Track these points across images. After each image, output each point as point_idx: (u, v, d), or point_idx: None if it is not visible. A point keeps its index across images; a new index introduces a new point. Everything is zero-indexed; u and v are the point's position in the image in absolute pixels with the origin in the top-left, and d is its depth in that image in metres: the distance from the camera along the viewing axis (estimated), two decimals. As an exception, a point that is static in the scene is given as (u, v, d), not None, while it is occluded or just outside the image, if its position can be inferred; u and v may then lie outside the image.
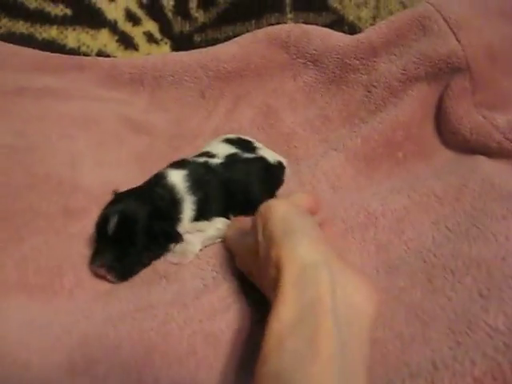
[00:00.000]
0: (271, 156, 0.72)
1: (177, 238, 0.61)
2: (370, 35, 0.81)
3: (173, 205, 0.62)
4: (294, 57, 0.86)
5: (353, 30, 0.92)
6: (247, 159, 0.69)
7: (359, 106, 0.80)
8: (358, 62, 0.81)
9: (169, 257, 0.61)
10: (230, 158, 0.68)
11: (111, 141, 0.78)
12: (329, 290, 0.41)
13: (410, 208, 0.62)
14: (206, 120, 0.85)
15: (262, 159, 0.70)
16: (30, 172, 0.67)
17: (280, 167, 0.73)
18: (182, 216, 0.62)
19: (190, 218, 0.62)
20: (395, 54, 0.79)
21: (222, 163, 0.67)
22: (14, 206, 0.62)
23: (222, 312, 0.52)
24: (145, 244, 0.59)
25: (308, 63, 0.85)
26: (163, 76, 0.86)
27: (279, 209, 0.49)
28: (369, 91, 0.80)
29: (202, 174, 0.64)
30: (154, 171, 0.65)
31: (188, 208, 0.62)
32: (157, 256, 0.61)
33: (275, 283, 0.43)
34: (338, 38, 0.85)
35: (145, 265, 0.60)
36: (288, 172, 0.73)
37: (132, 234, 0.58)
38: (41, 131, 0.75)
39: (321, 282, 0.42)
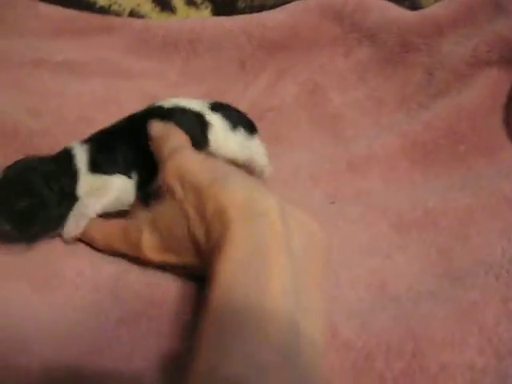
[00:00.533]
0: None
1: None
2: (436, 11, 0.74)
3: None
4: (348, 31, 0.78)
5: (414, 7, 0.83)
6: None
7: (417, 89, 0.72)
8: (420, 40, 0.73)
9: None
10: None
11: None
12: (279, 217, 0.39)
13: (474, 209, 0.55)
14: (242, 93, 0.77)
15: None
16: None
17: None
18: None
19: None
20: (463, 35, 0.72)
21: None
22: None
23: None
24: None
25: (363, 39, 0.78)
26: (201, 40, 0.78)
27: (193, 160, 0.46)
28: (430, 74, 0.72)
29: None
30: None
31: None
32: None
33: (220, 231, 0.39)
34: (399, 12, 0.77)
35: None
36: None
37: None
38: (57, 110, 0.69)
39: (269, 210, 0.39)
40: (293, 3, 0.81)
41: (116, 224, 0.50)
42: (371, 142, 0.67)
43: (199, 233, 0.42)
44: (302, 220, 0.41)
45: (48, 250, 0.50)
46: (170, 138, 0.50)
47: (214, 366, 0.32)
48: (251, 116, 0.63)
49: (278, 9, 0.80)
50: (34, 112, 0.67)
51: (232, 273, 0.37)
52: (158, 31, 0.80)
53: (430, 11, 0.74)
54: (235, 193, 0.41)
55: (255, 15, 0.79)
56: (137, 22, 0.84)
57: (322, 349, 0.37)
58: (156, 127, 0.52)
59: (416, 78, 0.73)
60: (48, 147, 0.62)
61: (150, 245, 0.46)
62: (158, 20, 0.86)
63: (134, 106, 0.68)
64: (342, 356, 0.40)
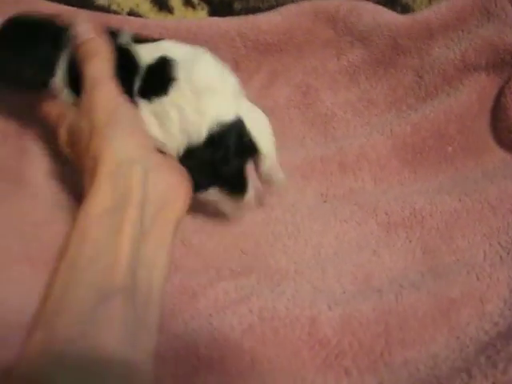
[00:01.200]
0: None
1: None
2: (426, 15, 0.74)
3: None
4: (341, 34, 0.79)
5: (406, 12, 0.85)
6: None
7: (408, 91, 0.73)
8: (410, 43, 0.74)
9: None
10: None
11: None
12: (140, 184, 0.44)
13: (460, 213, 0.58)
14: (237, 94, 0.78)
15: None
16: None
17: None
18: None
19: None
20: (453, 40, 0.73)
21: None
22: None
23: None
24: None
25: (355, 41, 0.78)
26: (197, 40, 0.78)
27: (106, 96, 0.49)
28: (420, 77, 0.73)
29: None
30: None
31: None
32: None
33: (91, 175, 0.45)
34: (391, 15, 0.77)
35: None
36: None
37: None
38: None
39: (132, 176, 0.44)
40: (287, 6, 0.81)
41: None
42: (362, 142, 0.68)
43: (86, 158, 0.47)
44: (162, 187, 0.46)
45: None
46: (93, 59, 0.51)
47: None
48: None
49: (273, 11, 0.81)
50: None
51: (87, 227, 0.42)
52: (155, 29, 0.80)
53: (421, 15, 0.75)
54: (113, 150, 0.45)
55: (250, 17, 0.80)
56: (135, 21, 0.84)
57: (157, 299, 0.42)
58: (81, 29, 0.54)
59: (406, 80, 0.74)
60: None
61: (62, 138, 0.52)
62: (155, 19, 0.86)
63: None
64: (315, 353, 0.43)
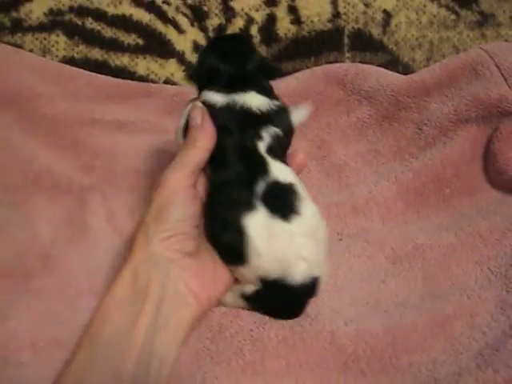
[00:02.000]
0: None
1: None
2: (423, 76, 0.85)
3: None
4: (350, 93, 0.90)
5: (407, 70, 0.96)
6: None
7: (410, 142, 0.83)
8: (410, 100, 0.85)
9: None
10: None
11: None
12: (159, 282, 0.47)
13: (456, 246, 0.67)
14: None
15: None
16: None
17: None
18: None
19: None
20: (447, 95, 0.83)
21: None
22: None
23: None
24: None
25: (362, 100, 0.89)
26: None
27: (171, 185, 0.52)
28: (420, 129, 0.83)
29: None
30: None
31: None
32: None
33: (125, 258, 0.50)
34: (392, 76, 0.89)
35: None
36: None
37: None
38: (108, 165, 0.82)
39: (152, 275, 0.47)
40: (302, 71, 0.94)
41: None
42: (371, 187, 0.78)
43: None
44: (182, 290, 0.50)
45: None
46: (189, 146, 0.54)
47: None
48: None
49: (290, 76, 0.93)
50: (86, 168, 0.81)
51: (109, 310, 0.46)
52: (189, 95, 0.91)
53: (419, 76, 0.86)
54: (146, 246, 0.49)
55: (272, 83, 0.92)
56: (171, 88, 0.98)
57: None
58: (194, 115, 0.55)
59: (408, 132, 0.84)
60: (96, 200, 0.76)
61: None
62: (188, 86, 0.98)
63: (173, 156, 0.81)
64: (336, 358, 0.53)
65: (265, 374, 0.51)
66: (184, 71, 0.95)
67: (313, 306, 0.59)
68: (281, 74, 0.67)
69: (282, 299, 0.54)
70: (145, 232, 0.50)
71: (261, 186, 0.52)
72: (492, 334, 0.54)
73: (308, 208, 0.54)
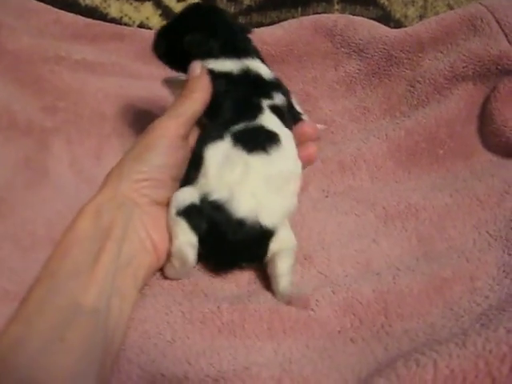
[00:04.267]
0: None
1: None
2: (418, 30, 0.80)
3: None
4: (338, 46, 0.85)
5: (398, 27, 0.90)
6: None
7: (401, 100, 0.79)
8: (403, 55, 0.80)
9: None
10: None
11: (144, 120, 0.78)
12: (121, 223, 0.46)
13: (451, 207, 0.62)
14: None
15: None
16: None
17: None
18: None
19: None
20: (442, 52, 0.78)
21: None
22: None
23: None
24: None
25: (352, 53, 0.84)
26: (204, 51, 0.84)
27: (161, 130, 0.51)
28: (412, 86, 0.78)
29: None
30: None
31: None
32: None
33: (90, 199, 0.48)
34: (385, 29, 0.83)
35: None
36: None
37: None
38: (74, 108, 0.75)
39: (118, 215, 0.46)
40: (289, 21, 0.87)
41: None
42: (359, 144, 0.73)
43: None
44: (142, 236, 0.49)
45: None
46: (186, 97, 0.53)
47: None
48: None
49: (276, 26, 0.86)
50: (49, 110, 0.74)
51: (69, 245, 0.45)
52: None
53: (413, 29, 0.80)
54: (118, 182, 0.49)
55: (255, 30, 0.84)
56: (146, 32, 0.90)
57: (123, 330, 0.44)
58: (193, 68, 0.56)
59: (400, 89, 0.79)
60: (59, 144, 0.69)
61: None
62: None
63: (143, 103, 0.74)
64: (321, 327, 0.48)
65: (244, 337, 0.45)
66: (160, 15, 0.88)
67: (297, 266, 0.54)
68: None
69: (216, 225, 0.50)
70: (119, 169, 0.49)
71: (239, 126, 0.53)
72: (496, 297, 0.49)
73: (283, 157, 0.53)
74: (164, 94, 0.76)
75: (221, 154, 0.51)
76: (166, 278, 0.53)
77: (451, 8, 0.95)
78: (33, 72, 0.76)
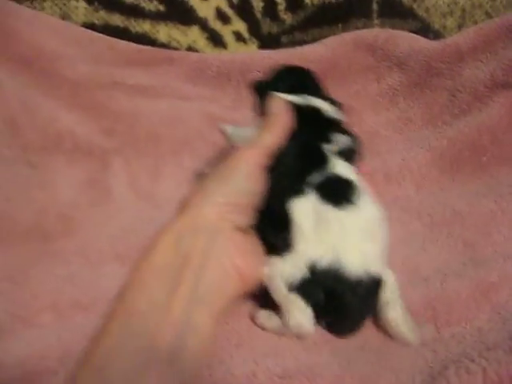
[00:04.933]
0: None
1: None
2: (457, 40, 0.82)
3: None
4: (380, 60, 0.87)
5: (438, 38, 0.93)
6: None
7: (442, 109, 0.80)
8: (443, 66, 0.81)
9: None
10: None
11: (196, 139, 0.82)
12: (201, 252, 0.44)
13: (496, 213, 0.63)
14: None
15: None
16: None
17: None
18: None
19: None
20: (482, 61, 0.79)
21: None
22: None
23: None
24: None
25: (393, 66, 0.86)
26: (251, 71, 0.88)
27: (242, 158, 0.50)
28: (453, 95, 0.80)
29: None
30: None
31: None
32: None
33: (165, 227, 0.46)
34: (424, 41, 0.85)
35: None
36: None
37: None
38: (130, 130, 0.80)
39: (197, 243, 0.44)
40: (330, 38, 0.90)
41: None
42: (404, 155, 0.75)
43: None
44: (225, 264, 0.46)
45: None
46: (269, 128, 0.53)
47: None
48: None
49: (318, 43, 0.90)
50: (108, 132, 0.79)
51: (147, 276, 0.43)
52: (212, 62, 0.89)
53: (452, 40, 0.82)
54: (197, 208, 0.47)
55: (298, 49, 0.89)
56: (194, 55, 0.94)
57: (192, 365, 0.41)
58: (273, 100, 0.56)
59: (441, 99, 0.81)
60: (119, 164, 0.74)
61: None
62: (212, 53, 0.96)
63: (194, 122, 0.78)
64: (373, 332, 0.50)
65: (302, 342, 0.49)
66: (207, 38, 0.92)
67: None
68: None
69: (334, 292, 0.47)
70: (202, 192, 0.48)
71: (315, 177, 0.51)
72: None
73: (366, 203, 0.52)
74: (214, 112, 0.80)
75: (310, 211, 0.49)
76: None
77: (489, 16, 0.96)
78: (91, 98, 0.81)
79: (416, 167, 0.74)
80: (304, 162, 0.52)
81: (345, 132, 0.57)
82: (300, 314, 0.47)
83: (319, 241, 0.48)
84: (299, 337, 0.48)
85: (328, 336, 0.49)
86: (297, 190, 0.50)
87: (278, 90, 0.59)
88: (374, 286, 0.49)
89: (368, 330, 0.50)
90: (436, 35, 0.94)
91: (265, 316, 0.50)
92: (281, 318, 0.48)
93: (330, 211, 0.49)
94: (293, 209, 0.49)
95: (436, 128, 0.79)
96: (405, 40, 0.86)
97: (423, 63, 0.83)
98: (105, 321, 0.41)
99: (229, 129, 0.66)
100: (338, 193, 0.50)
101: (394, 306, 0.49)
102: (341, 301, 0.47)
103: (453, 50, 0.81)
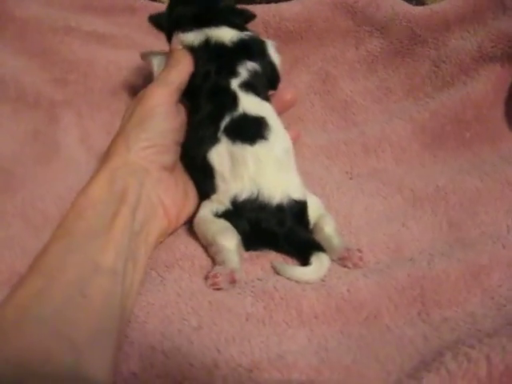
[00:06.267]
0: None
1: None
2: (444, 7, 0.76)
3: None
4: (360, 23, 0.81)
5: (421, 5, 0.87)
6: None
7: (425, 80, 0.75)
8: (428, 34, 0.76)
9: None
10: None
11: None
12: (135, 189, 0.47)
13: (482, 191, 0.59)
14: (258, 78, 0.80)
15: None
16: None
17: None
18: None
19: None
20: (469, 31, 0.74)
21: None
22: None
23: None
24: None
25: (373, 31, 0.80)
26: (222, 26, 0.80)
27: (155, 98, 0.52)
28: (437, 66, 0.75)
29: None
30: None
31: None
32: None
33: (101, 162, 0.49)
34: (409, 7, 0.80)
35: None
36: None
37: None
38: (84, 80, 0.73)
39: (130, 182, 0.47)
40: (308, -4, 0.83)
41: None
42: (383, 126, 0.70)
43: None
44: (154, 201, 0.49)
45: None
46: (172, 66, 0.55)
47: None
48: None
49: (294, 1, 0.82)
50: (59, 82, 0.71)
51: (84, 207, 0.45)
52: None
53: (439, 7, 0.76)
54: (125, 154, 0.49)
55: (273, 5, 0.82)
56: (157, 6, 0.86)
57: (133, 293, 0.43)
58: (174, 40, 0.58)
59: (423, 69, 0.76)
60: (69, 118, 0.66)
61: None
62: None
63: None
64: (356, 312, 0.45)
65: (273, 324, 0.42)
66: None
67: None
68: (253, 15, 0.64)
69: (258, 221, 0.51)
70: (125, 138, 0.50)
71: (226, 121, 0.53)
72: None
73: (277, 136, 0.54)
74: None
75: (225, 154, 0.53)
76: (186, 260, 0.50)
77: (476, -14, 0.91)
78: (41, 42, 0.73)
79: (396, 140, 0.69)
80: (215, 108, 0.54)
81: (253, 56, 0.57)
82: (227, 241, 0.50)
83: (238, 177, 0.51)
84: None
85: (303, 316, 0.43)
86: (213, 140, 0.53)
87: (177, 23, 0.58)
88: (299, 210, 0.52)
89: (346, 311, 0.44)
90: (419, 2, 0.88)
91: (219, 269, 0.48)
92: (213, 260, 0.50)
93: (243, 149, 0.52)
94: (211, 159, 0.53)
95: (417, 100, 0.74)
96: (387, 3, 0.80)
97: (406, 30, 0.77)
98: (45, 245, 0.42)
99: (147, 53, 0.64)
100: (249, 131, 0.53)
101: (326, 221, 0.53)
102: (266, 228, 0.51)
103: (439, 17, 0.76)
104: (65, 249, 0.41)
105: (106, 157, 0.49)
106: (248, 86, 0.55)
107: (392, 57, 0.79)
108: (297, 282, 0.47)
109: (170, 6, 0.61)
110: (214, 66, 0.56)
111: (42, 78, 0.69)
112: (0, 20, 0.71)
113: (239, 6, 0.64)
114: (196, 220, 0.53)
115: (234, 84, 0.55)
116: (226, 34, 0.57)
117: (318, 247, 0.50)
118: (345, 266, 0.50)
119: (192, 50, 0.56)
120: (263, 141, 0.53)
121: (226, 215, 0.52)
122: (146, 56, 0.64)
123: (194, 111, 0.55)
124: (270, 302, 0.44)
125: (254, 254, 0.51)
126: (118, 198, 0.45)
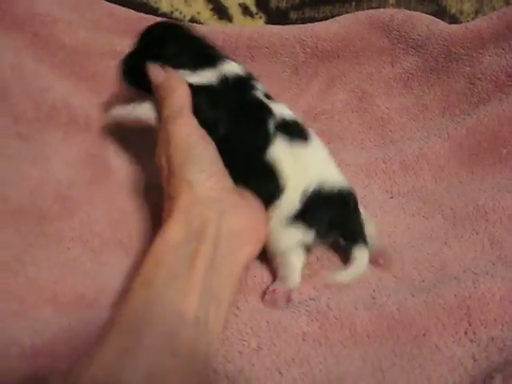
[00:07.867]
0: None
1: None
2: (478, 25, 0.77)
3: None
4: (395, 42, 0.82)
5: (454, 22, 0.88)
6: None
7: (460, 97, 0.77)
8: (463, 51, 0.77)
9: None
10: None
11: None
12: (214, 223, 0.45)
13: (522, 208, 0.60)
14: (297, 97, 0.82)
15: None
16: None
17: None
18: None
19: None
20: (504, 48, 0.75)
21: None
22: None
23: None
24: None
25: (409, 49, 0.82)
26: (258, 47, 0.82)
27: (182, 131, 0.50)
28: (472, 83, 0.76)
29: None
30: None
31: None
32: None
33: (168, 210, 0.47)
34: (444, 25, 0.81)
35: None
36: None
37: None
38: None
39: (208, 215, 0.46)
40: (344, 16, 0.85)
41: None
42: (421, 143, 0.71)
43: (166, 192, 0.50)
44: (236, 229, 0.47)
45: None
46: (171, 95, 0.53)
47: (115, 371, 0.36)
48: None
49: (330, 20, 0.84)
50: (107, 105, 0.72)
51: (162, 253, 0.44)
52: (218, 36, 0.82)
53: (473, 25, 0.77)
54: (190, 193, 0.47)
55: (309, 25, 0.84)
56: (197, 27, 0.87)
57: (215, 336, 0.42)
58: (156, 72, 0.55)
59: (459, 86, 0.77)
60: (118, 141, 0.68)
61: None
62: (217, 26, 0.90)
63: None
64: (406, 330, 0.46)
65: (329, 345, 0.44)
66: (211, 10, 0.86)
67: (374, 270, 0.53)
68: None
69: (327, 209, 0.54)
70: (181, 177, 0.48)
71: (271, 124, 0.55)
72: None
73: (314, 137, 0.58)
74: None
75: (287, 153, 0.54)
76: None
77: (507, 3, 0.92)
78: (89, 67, 0.75)
79: (434, 157, 0.70)
80: (258, 114, 0.56)
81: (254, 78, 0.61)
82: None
83: (303, 174, 0.53)
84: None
85: (357, 336, 0.45)
86: (267, 141, 0.54)
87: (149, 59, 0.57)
88: (355, 197, 0.56)
89: (397, 330, 0.46)
90: (452, 20, 0.89)
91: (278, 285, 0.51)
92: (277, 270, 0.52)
93: (300, 147, 0.55)
94: (273, 157, 0.53)
95: (453, 117, 0.75)
96: (423, 22, 0.81)
97: (442, 47, 0.79)
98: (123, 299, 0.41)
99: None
100: (295, 131, 0.56)
101: (368, 221, 0.57)
102: (344, 212, 0.55)
103: (474, 35, 0.77)
104: (146, 302, 0.40)
105: (169, 201, 0.48)
106: (267, 96, 0.58)
107: (427, 74, 0.80)
108: (348, 296, 0.50)
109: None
110: (234, 91, 0.57)
111: (91, 101, 0.71)
112: (49, 47, 0.72)
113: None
114: (269, 229, 0.53)
115: (259, 94, 0.58)
116: (235, 67, 0.60)
117: (365, 239, 0.54)
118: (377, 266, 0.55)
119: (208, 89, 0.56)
120: (311, 138, 0.56)
121: (297, 216, 0.52)
122: (122, 113, 0.63)
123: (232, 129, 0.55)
124: (324, 321, 0.46)
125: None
126: (196, 237, 0.44)
